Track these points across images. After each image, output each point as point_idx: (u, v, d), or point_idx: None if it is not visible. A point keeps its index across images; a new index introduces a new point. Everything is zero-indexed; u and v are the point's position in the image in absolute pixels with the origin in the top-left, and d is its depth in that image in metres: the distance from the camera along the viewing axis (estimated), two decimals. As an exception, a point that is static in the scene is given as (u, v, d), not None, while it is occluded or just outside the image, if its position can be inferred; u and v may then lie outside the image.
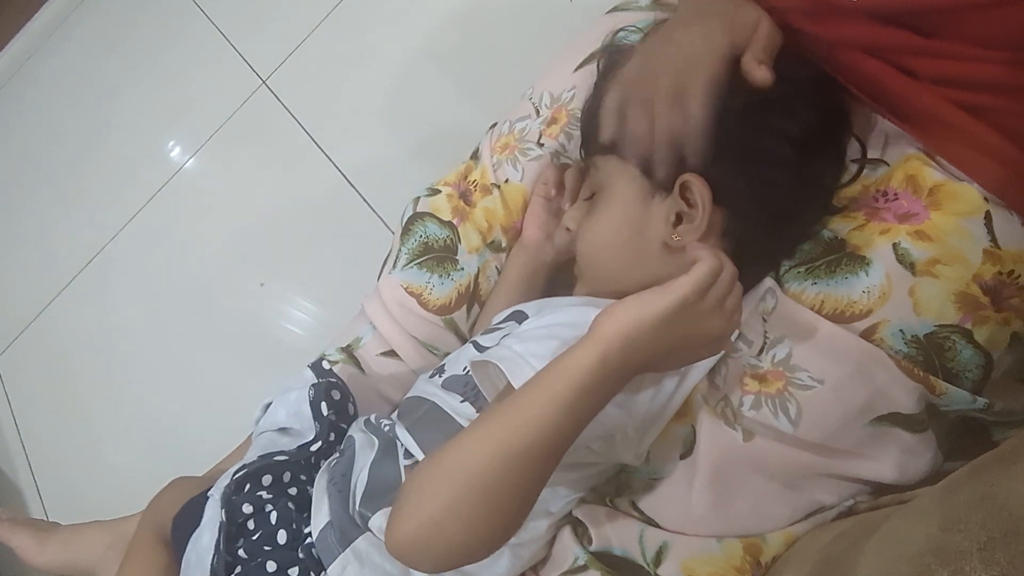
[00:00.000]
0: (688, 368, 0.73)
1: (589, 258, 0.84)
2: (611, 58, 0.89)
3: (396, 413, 0.87)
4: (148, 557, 0.90)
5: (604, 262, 0.83)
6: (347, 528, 0.75)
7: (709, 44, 0.73)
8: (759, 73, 0.71)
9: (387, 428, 0.83)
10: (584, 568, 0.73)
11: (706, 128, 0.71)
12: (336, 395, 0.92)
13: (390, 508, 0.73)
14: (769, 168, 0.74)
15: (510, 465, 0.56)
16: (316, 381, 0.93)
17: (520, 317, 0.82)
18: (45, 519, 1.31)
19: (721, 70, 0.72)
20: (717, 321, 0.63)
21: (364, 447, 0.83)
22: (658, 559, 0.70)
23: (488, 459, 0.57)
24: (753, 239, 0.77)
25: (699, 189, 0.74)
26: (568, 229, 0.89)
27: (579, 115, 0.94)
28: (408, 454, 0.78)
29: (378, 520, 0.74)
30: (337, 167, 1.46)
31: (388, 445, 0.81)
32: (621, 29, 0.93)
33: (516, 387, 0.62)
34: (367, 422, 0.87)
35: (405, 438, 0.78)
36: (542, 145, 0.97)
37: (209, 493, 0.85)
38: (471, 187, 1.00)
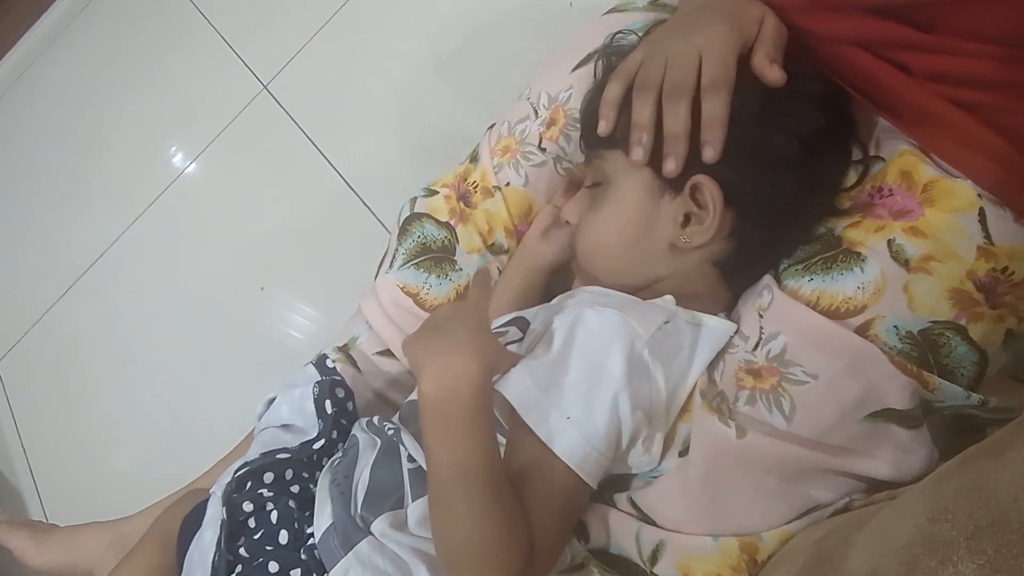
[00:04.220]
0: (690, 359, 0.74)
1: (591, 255, 0.84)
2: (609, 60, 0.89)
3: (398, 417, 0.87)
4: (146, 559, 0.90)
5: (607, 260, 0.83)
6: (349, 531, 0.75)
7: (718, 38, 0.73)
8: (772, 72, 0.72)
9: (391, 432, 0.83)
10: (581, 566, 0.73)
11: (724, 123, 0.72)
12: (340, 393, 0.92)
13: (391, 513, 0.74)
14: (779, 170, 0.74)
15: (482, 516, 0.62)
16: (320, 379, 0.93)
17: (522, 323, 0.82)
18: (44, 521, 1.31)
19: (732, 65, 0.72)
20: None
21: (367, 448, 0.83)
22: (654, 557, 0.70)
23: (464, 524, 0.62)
24: (757, 240, 0.77)
25: (711, 191, 0.74)
26: (567, 222, 0.88)
27: (577, 116, 0.94)
28: (411, 458, 0.78)
29: (379, 525, 0.74)
30: (338, 171, 1.47)
31: (390, 447, 0.81)
32: (619, 32, 0.93)
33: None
34: (369, 423, 0.87)
35: (411, 444, 0.79)
36: (544, 150, 0.97)
37: (211, 490, 0.85)
38: (471, 189, 1.00)
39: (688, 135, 0.73)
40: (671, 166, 0.74)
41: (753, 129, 0.74)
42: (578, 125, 0.94)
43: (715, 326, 0.76)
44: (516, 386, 0.68)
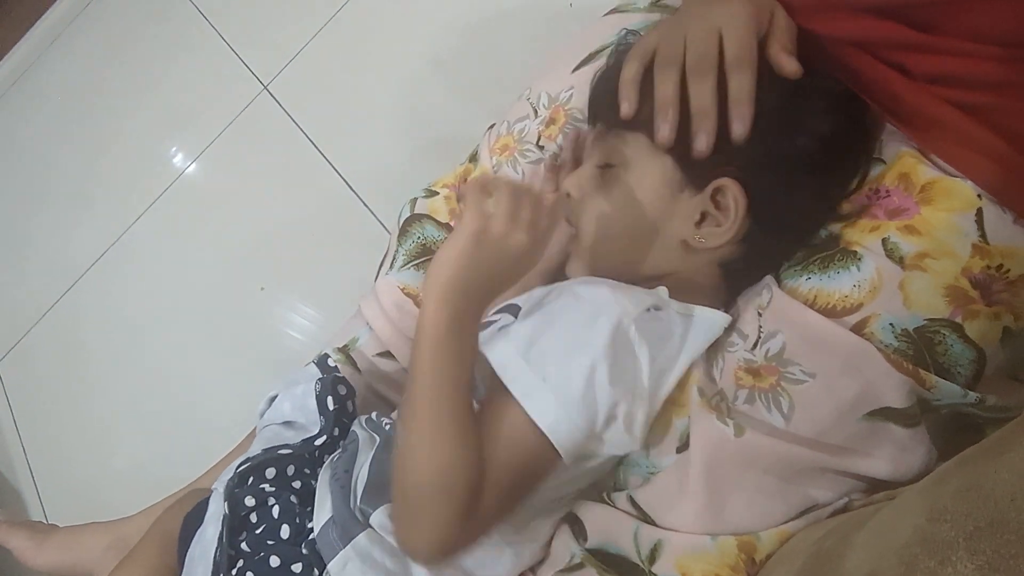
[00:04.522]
0: (683, 343, 0.72)
1: (596, 239, 0.81)
2: (620, 55, 0.86)
3: (396, 414, 0.88)
4: (147, 560, 0.90)
5: (612, 247, 0.81)
6: (348, 524, 0.75)
7: (737, 16, 0.71)
8: (790, 64, 0.70)
9: (388, 427, 0.83)
10: (580, 566, 0.73)
11: (752, 99, 0.69)
12: (342, 390, 0.92)
13: (390, 505, 0.74)
14: (800, 178, 0.73)
15: (438, 439, 0.64)
16: (322, 376, 0.94)
17: (513, 310, 0.81)
18: (44, 521, 1.31)
19: (754, 43, 0.70)
20: (517, 236, 0.67)
21: (366, 444, 0.83)
22: (652, 557, 0.70)
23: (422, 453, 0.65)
24: (768, 245, 0.77)
25: (735, 196, 0.73)
26: (568, 195, 0.84)
27: (577, 115, 0.94)
28: None
29: (378, 517, 0.74)
30: (338, 172, 1.47)
31: (388, 443, 0.81)
32: (629, 31, 0.93)
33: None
34: (368, 420, 0.88)
35: None
36: (541, 147, 0.96)
37: (213, 487, 0.85)
38: None
39: (716, 111, 0.70)
40: (702, 144, 0.71)
41: (779, 134, 0.72)
42: (579, 124, 0.94)
43: (708, 317, 0.75)
44: (498, 349, 0.69)
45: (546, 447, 0.65)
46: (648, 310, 0.71)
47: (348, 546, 0.73)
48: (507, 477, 0.66)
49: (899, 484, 0.67)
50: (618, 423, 0.68)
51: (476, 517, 0.63)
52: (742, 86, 0.69)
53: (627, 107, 0.75)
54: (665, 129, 0.72)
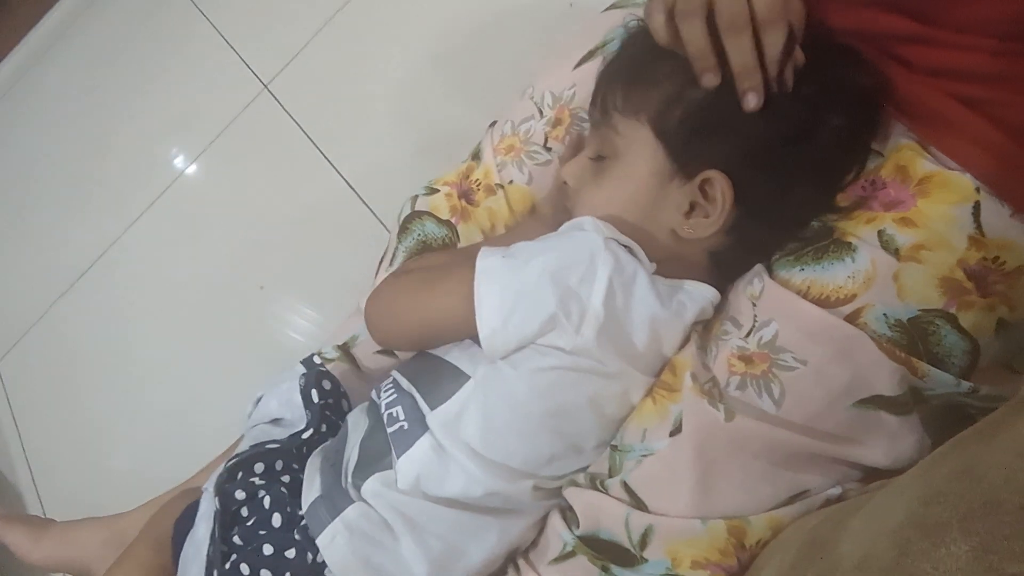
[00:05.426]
0: (676, 296, 0.75)
1: None
2: (626, 45, 0.87)
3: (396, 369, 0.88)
4: (141, 558, 0.90)
5: None
6: (337, 499, 0.75)
7: None
8: (796, 54, 0.70)
9: (385, 407, 0.82)
10: (572, 554, 0.73)
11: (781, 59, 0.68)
12: (327, 384, 0.92)
13: (381, 473, 0.75)
14: (793, 173, 0.73)
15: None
16: (306, 371, 0.94)
17: None
18: (42, 516, 1.31)
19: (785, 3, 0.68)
20: None
21: (356, 426, 0.83)
22: (644, 542, 0.70)
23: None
24: (757, 237, 0.77)
25: (722, 188, 0.73)
26: (565, 183, 0.85)
27: (582, 114, 0.94)
28: (392, 420, 0.78)
29: (371, 484, 0.75)
30: (339, 172, 1.47)
31: (377, 422, 0.81)
32: (634, 19, 0.92)
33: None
34: (370, 404, 0.87)
35: (405, 383, 0.81)
36: (549, 149, 0.96)
37: (204, 487, 0.85)
38: (474, 186, 0.99)
39: (759, 66, 0.68)
40: (752, 102, 0.69)
41: (776, 127, 0.72)
42: (584, 124, 0.94)
43: (692, 289, 0.76)
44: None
45: (470, 310, 0.72)
46: (629, 249, 0.74)
47: (337, 519, 0.74)
48: (426, 315, 0.80)
49: (892, 473, 0.68)
50: (562, 323, 0.70)
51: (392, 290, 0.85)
52: (777, 44, 0.68)
53: (664, 36, 0.72)
54: (710, 76, 0.70)
